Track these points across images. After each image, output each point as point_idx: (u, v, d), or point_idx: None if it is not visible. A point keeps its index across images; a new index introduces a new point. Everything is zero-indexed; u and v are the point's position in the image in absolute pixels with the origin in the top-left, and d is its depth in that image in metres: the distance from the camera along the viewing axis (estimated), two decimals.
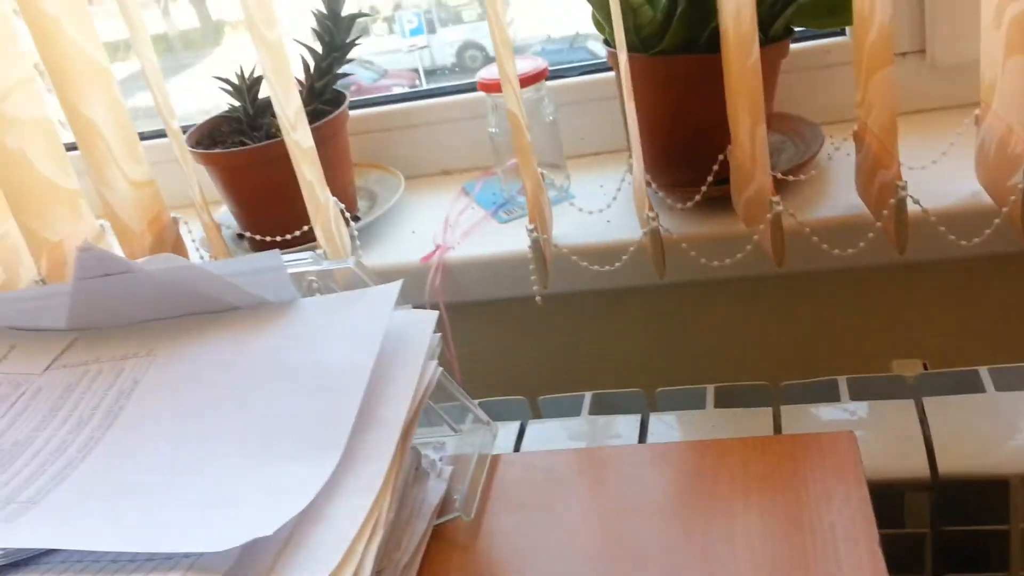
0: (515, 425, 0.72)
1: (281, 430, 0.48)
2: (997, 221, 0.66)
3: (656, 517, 0.50)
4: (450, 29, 1.21)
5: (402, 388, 0.49)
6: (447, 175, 0.97)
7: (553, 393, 0.76)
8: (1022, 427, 0.62)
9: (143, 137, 0.84)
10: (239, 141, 0.85)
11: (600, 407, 0.74)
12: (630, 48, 0.67)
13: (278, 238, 0.83)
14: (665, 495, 0.51)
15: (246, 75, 0.87)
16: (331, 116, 0.83)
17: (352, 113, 0.89)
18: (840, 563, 0.45)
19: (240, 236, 0.89)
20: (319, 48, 0.86)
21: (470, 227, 0.85)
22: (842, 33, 0.86)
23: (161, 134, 1.01)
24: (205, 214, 0.80)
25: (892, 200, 0.64)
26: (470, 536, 0.52)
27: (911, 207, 0.66)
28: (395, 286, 0.54)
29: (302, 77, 0.86)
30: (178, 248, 0.86)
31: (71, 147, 0.82)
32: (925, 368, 0.74)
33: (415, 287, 0.81)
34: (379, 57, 1.21)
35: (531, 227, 0.72)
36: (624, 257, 0.74)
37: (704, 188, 0.73)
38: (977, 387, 0.67)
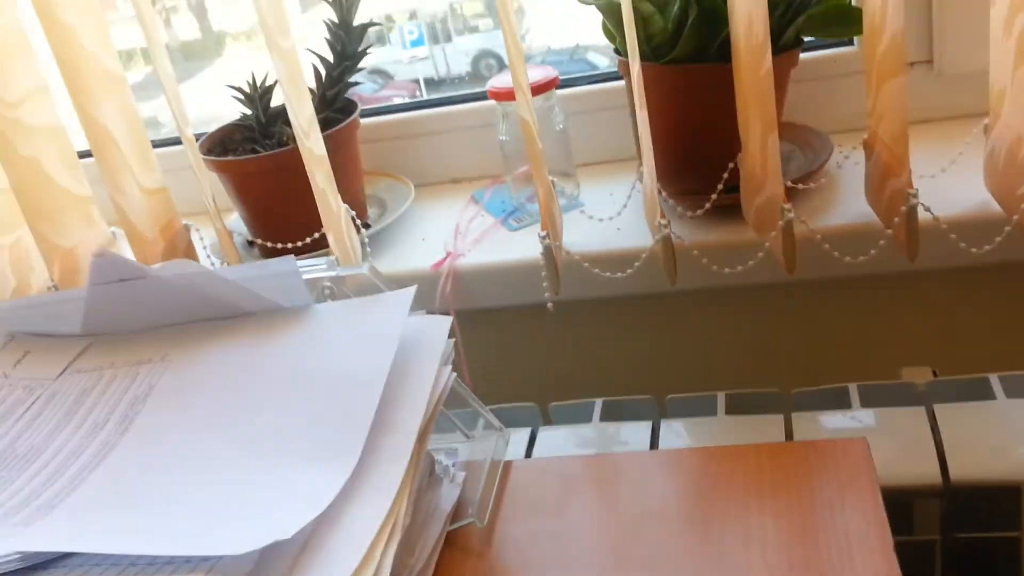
0: (526, 432, 0.73)
1: (298, 434, 0.48)
2: (1008, 229, 0.66)
3: (670, 523, 0.50)
4: (466, 38, 1.21)
5: (417, 393, 0.49)
6: (456, 183, 0.98)
7: (563, 400, 0.77)
8: None
9: (155, 145, 0.85)
10: (251, 149, 0.86)
11: (611, 414, 0.74)
12: (641, 57, 0.68)
13: (289, 245, 0.84)
14: (679, 501, 0.51)
15: (258, 83, 0.88)
16: (343, 124, 0.84)
17: (362, 121, 0.89)
18: (855, 569, 0.45)
19: (250, 243, 0.90)
20: (330, 57, 0.87)
21: (480, 234, 0.85)
22: (850, 43, 0.87)
23: (172, 142, 1.02)
24: (218, 221, 0.81)
25: (903, 208, 0.65)
26: (483, 542, 0.52)
27: (921, 215, 0.66)
28: (409, 291, 0.54)
29: (313, 86, 0.87)
30: (189, 255, 0.87)
31: (83, 154, 0.83)
32: (935, 375, 0.74)
33: (426, 294, 0.81)
34: (382, 68, 1.21)
35: (543, 234, 0.72)
36: (636, 264, 0.74)
37: (714, 196, 0.73)
38: (987, 394, 0.67)
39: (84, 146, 0.80)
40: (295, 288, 0.56)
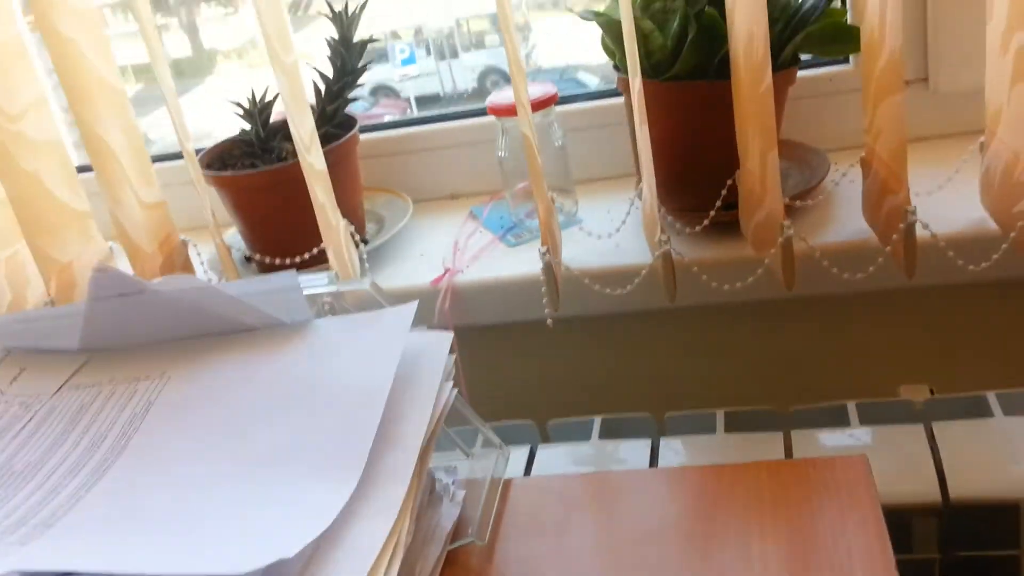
0: (525, 449, 0.72)
1: (299, 451, 0.48)
2: (1005, 246, 0.67)
3: (671, 542, 0.50)
4: (472, 54, 1.22)
5: (419, 410, 0.49)
6: (455, 199, 0.98)
7: (562, 417, 0.77)
8: None
9: (153, 160, 0.85)
10: (250, 164, 0.86)
11: (610, 431, 0.74)
12: (640, 73, 0.68)
13: (287, 260, 0.84)
14: (679, 520, 0.51)
15: (257, 99, 0.88)
16: (342, 140, 0.84)
17: (361, 137, 0.89)
18: None
19: (248, 258, 0.89)
20: (330, 73, 0.87)
21: (479, 250, 0.85)
22: (845, 61, 0.87)
23: (169, 157, 1.02)
24: (217, 236, 0.81)
25: (901, 225, 0.65)
26: (484, 561, 0.51)
27: (919, 232, 0.67)
28: (411, 307, 0.54)
29: (313, 102, 0.87)
30: (187, 270, 0.87)
31: (80, 169, 0.83)
32: (932, 393, 0.75)
33: (424, 310, 0.81)
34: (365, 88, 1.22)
35: (543, 250, 0.72)
36: (636, 280, 0.74)
37: (712, 212, 0.73)
38: (985, 412, 0.67)
39: (80, 160, 0.80)
40: (296, 303, 0.56)
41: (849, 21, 0.78)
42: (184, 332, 0.58)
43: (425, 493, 0.51)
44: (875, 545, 0.47)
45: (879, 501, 0.49)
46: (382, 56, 1.20)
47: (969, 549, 0.62)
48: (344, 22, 0.85)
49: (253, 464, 0.48)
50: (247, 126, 0.88)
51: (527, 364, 0.90)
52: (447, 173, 0.98)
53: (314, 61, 0.87)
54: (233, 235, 0.92)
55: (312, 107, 0.86)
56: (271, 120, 0.89)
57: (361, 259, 0.82)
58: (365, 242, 0.86)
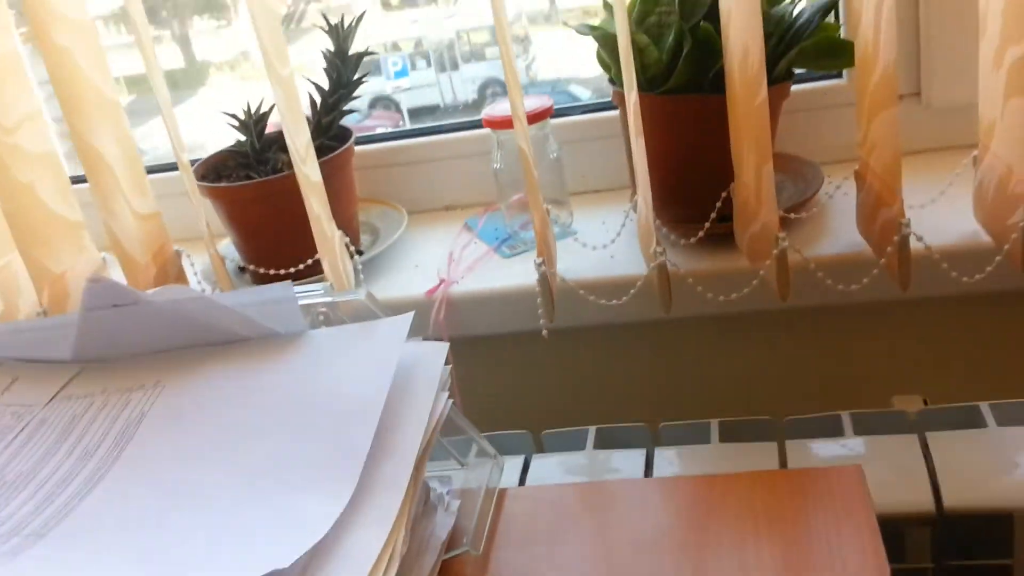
0: (519, 459, 0.72)
1: (294, 462, 0.47)
2: (998, 259, 0.67)
3: (666, 551, 0.50)
4: (472, 65, 1.22)
5: (415, 420, 0.49)
6: (449, 211, 0.98)
7: (556, 427, 0.77)
8: None
9: (149, 171, 0.85)
10: (245, 175, 0.86)
11: (604, 442, 0.74)
12: (636, 87, 0.68)
13: (281, 271, 0.84)
14: (674, 530, 0.51)
15: (252, 111, 0.88)
16: (338, 151, 0.84)
17: (356, 148, 0.90)
18: None
19: (242, 269, 0.89)
20: (326, 85, 0.87)
21: (473, 262, 0.86)
22: (839, 76, 0.88)
23: (162, 168, 1.02)
24: (211, 247, 0.81)
25: (895, 237, 0.65)
26: (478, 571, 0.51)
27: (913, 244, 0.67)
28: (406, 318, 0.54)
29: (308, 114, 0.87)
30: (180, 280, 0.87)
31: (75, 179, 0.83)
32: (925, 404, 0.75)
33: (419, 321, 0.81)
34: (363, 99, 1.22)
35: (539, 261, 0.72)
36: (631, 291, 0.74)
37: (707, 224, 0.74)
38: (979, 423, 0.68)
39: (71, 171, 0.80)
40: (291, 314, 0.56)
41: (843, 36, 0.78)
42: (178, 343, 0.58)
43: (420, 503, 0.51)
44: (870, 555, 0.47)
45: (874, 511, 0.50)
46: (375, 68, 1.20)
47: (962, 558, 0.63)
48: (340, 35, 0.86)
49: (248, 474, 0.48)
50: (241, 138, 0.89)
51: (521, 374, 0.90)
52: (442, 185, 0.98)
53: (307, 73, 0.88)
54: (227, 246, 0.92)
55: (307, 119, 0.86)
56: (266, 132, 0.89)
57: (356, 270, 0.82)
58: (360, 253, 0.87)
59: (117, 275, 0.83)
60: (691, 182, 0.77)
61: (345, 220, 0.85)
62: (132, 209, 0.81)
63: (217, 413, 0.52)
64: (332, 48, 0.86)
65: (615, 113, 0.91)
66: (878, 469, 0.64)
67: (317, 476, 0.46)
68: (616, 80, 0.77)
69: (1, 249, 0.82)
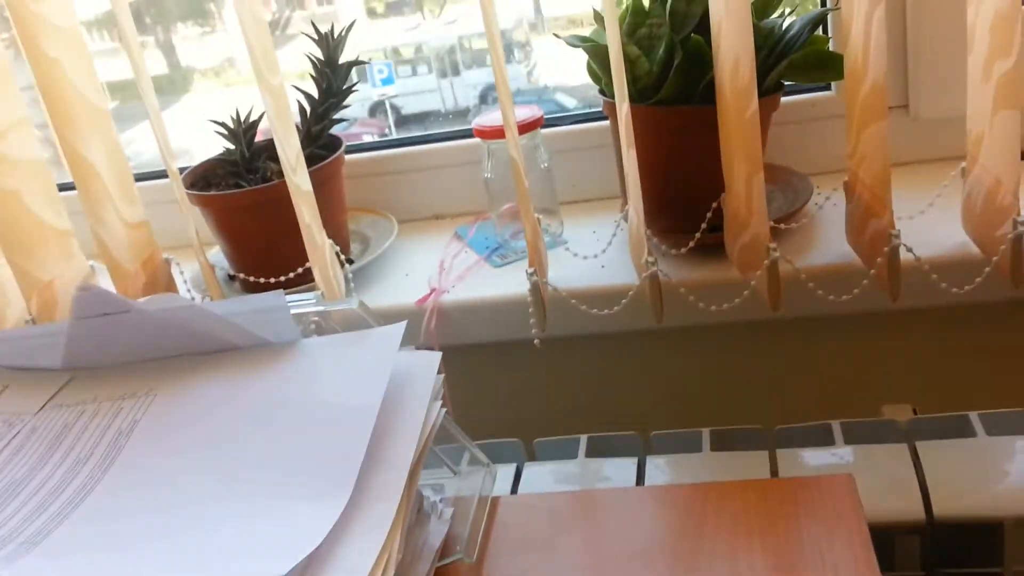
0: (511, 468, 0.72)
1: (288, 470, 0.47)
2: (987, 270, 0.68)
3: (658, 559, 0.50)
4: (474, 71, 1.22)
5: (408, 429, 0.49)
6: (439, 220, 0.98)
7: (548, 436, 0.77)
8: (1014, 471, 0.63)
9: (137, 179, 0.85)
10: (235, 183, 0.86)
11: (596, 450, 0.74)
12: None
13: (271, 280, 0.83)
14: (667, 538, 0.51)
15: (241, 119, 0.88)
16: (328, 160, 0.84)
17: (346, 157, 0.90)
18: None
19: (231, 277, 0.89)
20: (316, 94, 0.87)
21: (464, 271, 0.86)
22: (827, 88, 0.89)
23: (151, 176, 1.01)
24: (201, 255, 0.80)
25: (885, 248, 0.66)
26: None
27: (903, 255, 0.68)
28: (399, 327, 0.54)
29: (298, 122, 0.87)
30: (170, 288, 0.86)
31: (62, 187, 0.82)
32: (915, 413, 0.75)
33: (410, 330, 0.81)
34: (363, 106, 1.22)
35: (531, 270, 0.72)
36: (623, 301, 0.75)
37: (698, 235, 0.74)
38: (968, 432, 0.68)
39: (62, 179, 0.80)
40: (283, 323, 0.56)
41: (832, 49, 0.79)
42: (169, 351, 0.58)
43: (414, 511, 0.51)
44: (862, 563, 0.47)
45: (865, 519, 0.50)
46: (361, 75, 1.20)
47: (953, 567, 0.63)
48: (330, 44, 0.86)
49: (242, 482, 0.47)
50: (226, 145, 0.88)
51: (513, 383, 0.90)
52: (431, 194, 0.98)
53: (293, 80, 0.87)
54: (216, 254, 0.91)
55: (297, 127, 0.86)
56: (255, 140, 0.89)
57: (346, 279, 0.82)
58: (350, 262, 0.86)
59: (106, 283, 0.82)
60: (681, 193, 0.77)
61: (335, 229, 0.85)
62: (121, 217, 0.81)
63: (210, 422, 0.52)
64: (322, 57, 0.86)
65: (605, 123, 0.91)
66: (868, 478, 0.65)
67: (311, 484, 0.46)
68: (607, 91, 0.77)
69: None
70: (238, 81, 1.21)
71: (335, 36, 0.85)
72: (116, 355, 0.58)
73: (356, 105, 1.09)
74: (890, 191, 0.66)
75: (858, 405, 0.84)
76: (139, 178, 0.98)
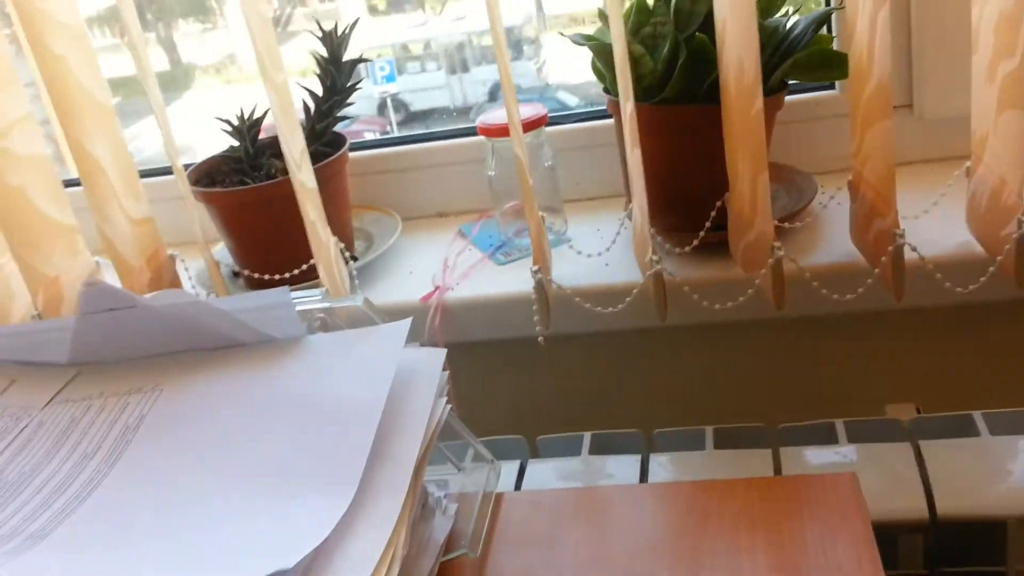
0: (514, 465, 0.73)
1: (294, 465, 0.48)
2: (992, 269, 0.68)
3: (662, 556, 0.50)
4: (483, 68, 1.22)
5: (414, 424, 0.49)
6: (443, 217, 0.98)
7: (551, 433, 0.77)
8: (1017, 470, 0.64)
9: (142, 175, 0.85)
10: (239, 180, 0.86)
11: (599, 447, 0.74)
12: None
13: (276, 276, 0.84)
14: (670, 534, 0.52)
15: (245, 116, 0.88)
16: (332, 157, 0.84)
17: (349, 155, 0.90)
18: None
19: (236, 274, 0.89)
20: (320, 91, 0.88)
21: (468, 268, 0.86)
22: (831, 87, 0.89)
23: (156, 172, 1.01)
24: (206, 252, 0.81)
25: (890, 248, 0.66)
26: (476, 573, 0.52)
27: (907, 255, 0.68)
28: (404, 324, 0.54)
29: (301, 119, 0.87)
30: (174, 285, 0.87)
31: (68, 183, 0.82)
32: (918, 412, 0.75)
33: (413, 327, 0.81)
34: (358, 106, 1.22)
35: (535, 268, 0.73)
36: (627, 299, 0.75)
37: (702, 233, 0.74)
38: (972, 431, 0.68)
39: (66, 175, 0.80)
40: (288, 319, 0.56)
41: (836, 48, 0.79)
42: (175, 347, 0.58)
43: (418, 506, 0.51)
44: (865, 561, 0.47)
45: (869, 518, 0.50)
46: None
47: (956, 566, 0.63)
48: (334, 41, 0.86)
49: (249, 477, 0.48)
50: (229, 142, 0.88)
51: (516, 380, 0.90)
52: (435, 192, 0.98)
53: (293, 77, 0.87)
54: (220, 251, 0.92)
55: (300, 124, 0.86)
56: (259, 137, 0.89)
57: (351, 276, 0.82)
58: (354, 259, 0.87)
59: (111, 279, 0.83)
60: (685, 191, 0.78)
61: (339, 226, 0.85)
62: (126, 213, 0.81)
63: (217, 417, 0.52)
64: (326, 54, 0.86)
65: (608, 122, 0.91)
66: (872, 476, 0.65)
67: (318, 479, 0.46)
68: (611, 90, 0.77)
69: None
70: (239, 78, 1.21)
71: (339, 33, 0.86)
72: (122, 350, 0.59)
73: (362, 102, 1.09)
74: (894, 190, 0.66)
75: (862, 404, 0.84)
76: (143, 175, 0.98)
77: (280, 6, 1.15)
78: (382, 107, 1.22)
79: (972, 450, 0.66)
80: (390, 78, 1.21)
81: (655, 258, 0.71)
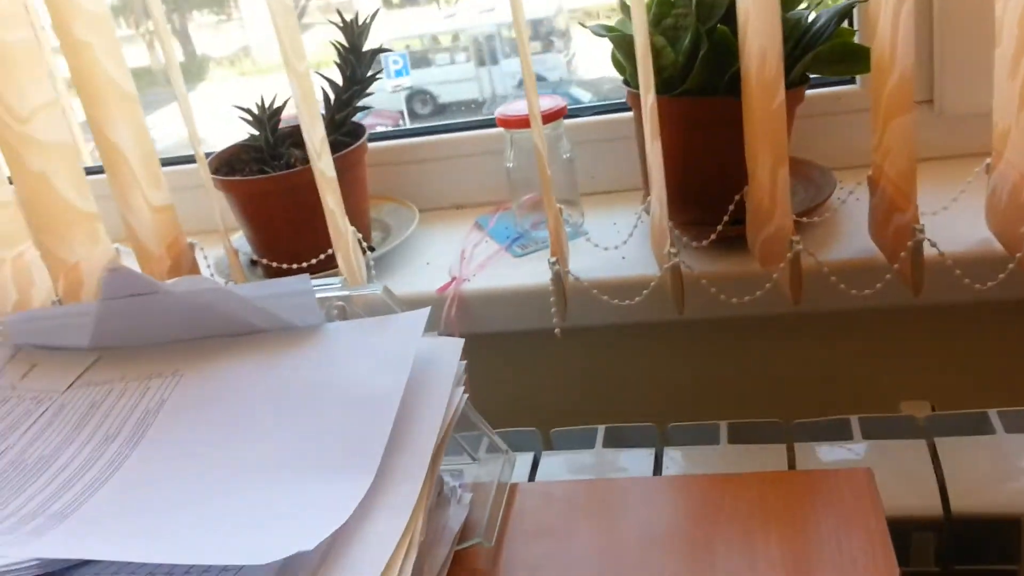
0: (528, 457, 0.73)
1: (313, 450, 0.48)
2: (1011, 266, 0.67)
3: (675, 548, 0.50)
4: (513, 60, 1.22)
5: (432, 412, 0.50)
6: (459, 209, 0.99)
7: (564, 426, 0.77)
8: None
9: (163, 163, 0.85)
10: (259, 169, 0.86)
11: (613, 441, 0.74)
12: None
13: (294, 265, 0.84)
14: (685, 527, 0.52)
15: (266, 105, 0.88)
16: (352, 147, 0.85)
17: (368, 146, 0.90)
18: None
19: (254, 263, 0.90)
20: (340, 81, 0.88)
21: (485, 260, 0.86)
22: (851, 81, 0.89)
23: (176, 161, 1.02)
24: (226, 240, 0.81)
25: (909, 243, 0.66)
26: (490, 563, 0.52)
27: (927, 251, 0.67)
28: (423, 313, 0.55)
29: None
30: (194, 272, 0.87)
31: (90, 171, 0.83)
32: (933, 409, 0.75)
33: (430, 318, 0.81)
34: (399, 96, 1.22)
35: (553, 260, 0.73)
36: (644, 292, 0.75)
37: (720, 227, 0.74)
38: (987, 429, 0.68)
39: (88, 162, 0.81)
40: (308, 307, 0.56)
41: (857, 41, 0.79)
42: (195, 333, 0.58)
43: (434, 495, 0.52)
44: (880, 557, 0.47)
45: (884, 513, 0.50)
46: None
47: (969, 563, 0.63)
48: (354, 31, 0.86)
49: (267, 462, 0.48)
50: (242, 135, 0.89)
51: (531, 372, 0.90)
52: (452, 183, 0.98)
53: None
54: (239, 239, 0.92)
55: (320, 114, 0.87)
56: (278, 127, 0.89)
57: (368, 266, 0.83)
58: (372, 249, 0.87)
59: (131, 266, 0.83)
60: (704, 184, 0.77)
61: (357, 216, 0.85)
62: (147, 201, 0.82)
63: (238, 402, 0.52)
64: (346, 44, 0.86)
65: (624, 115, 0.91)
66: (886, 473, 0.64)
67: (336, 465, 0.47)
68: (631, 82, 0.77)
69: (14, 239, 0.82)
70: (253, 71, 1.22)
71: (359, 23, 0.86)
72: (143, 336, 0.59)
73: (382, 96, 1.09)
74: (915, 185, 0.66)
75: (877, 401, 0.83)
76: (163, 163, 0.99)
77: None
78: (411, 99, 1.22)
79: (987, 448, 0.66)
80: (402, 72, 1.21)
81: (673, 251, 0.71)
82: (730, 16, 0.69)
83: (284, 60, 0.70)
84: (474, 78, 1.24)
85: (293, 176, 0.83)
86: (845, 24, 0.74)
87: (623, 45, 0.76)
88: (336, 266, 0.78)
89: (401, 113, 1.25)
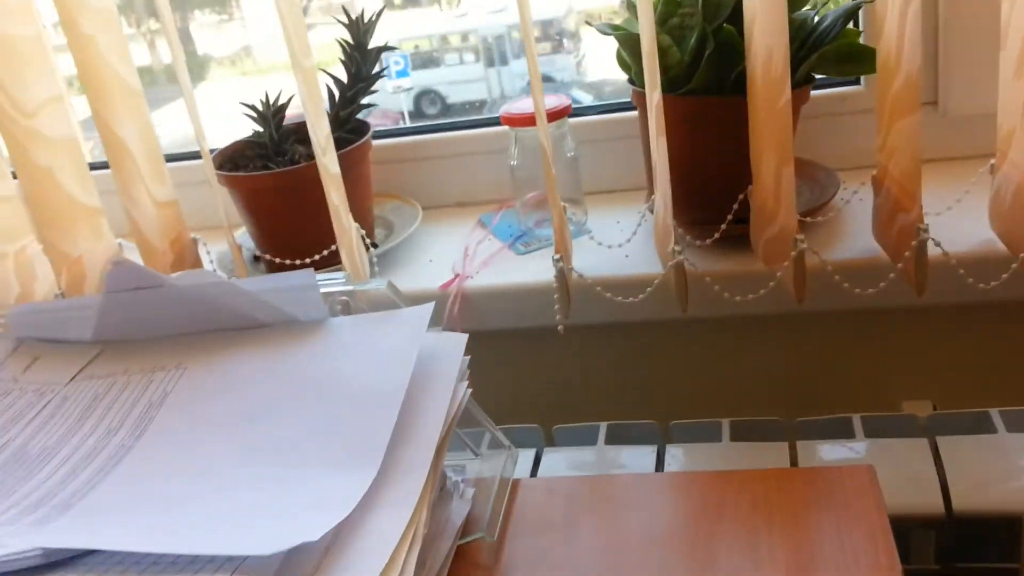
0: (531, 453, 0.73)
1: (317, 443, 0.48)
2: (1014, 266, 0.67)
3: (677, 545, 0.50)
4: (521, 61, 1.22)
5: (436, 407, 0.50)
6: (462, 207, 0.99)
7: (567, 422, 0.77)
8: None
9: (167, 159, 0.86)
10: (263, 165, 0.87)
11: (615, 438, 0.74)
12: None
13: (297, 261, 0.84)
14: (686, 524, 0.52)
15: (270, 102, 0.88)
16: (356, 144, 0.85)
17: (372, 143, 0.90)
18: None
19: (257, 258, 0.90)
20: (345, 78, 0.88)
21: (488, 257, 0.86)
22: (855, 82, 0.89)
23: (180, 157, 1.02)
24: (229, 235, 0.81)
25: (913, 243, 0.66)
26: (492, 558, 0.52)
27: (930, 251, 0.68)
28: (427, 308, 0.55)
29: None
30: (196, 267, 0.87)
31: (93, 166, 0.83)
32: (935, 408, 0.75)
33: (434, 314, 0.82)
34: (408, 96, 1.22)
35: (557, 257, 0.73)
36: (648, 290, 0.75)
37: (723, 226, 0.74)
38: (988, 428, 0.68)
39: (88, 159, 0.81)
40: (312, 301, 0.56)
41: (863, 42, 0.79)
42: (199, 326, 0.58)
43: (437, 489, 0.52)
44: (882, 554, 0.48)
45: (886, 511, 0.50)
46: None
47: (970, 561, 0.63)
48: (360, 28, 0.86)
49: (271, 454, 0.48)
50: (242, 134, 0.89)
51: (533, 369, 0.91)
52: (455, 181, 0.98)
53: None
54: (242, 235, 0.92)
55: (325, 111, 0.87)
56: (283, 123, 0.89)
57: (371, 262, 0.83)
58: (375, 246, 0.87)
59: (137, 261, 0.83)
60: (708, 183, 0.77)
61: (360, 213, 0.86)
62: (152, 196, 0.82)
63: (241, 395, 0.52)
64: (351, 41, 0.86)
65: (627, 115, 0.91)
66: (887, 471, 0.64)
67: (340, 458, 0.47)
68: (636, 81, 0.77)
69: (16, 232, 0.83)
70: (254, 71, 1.22)
71: (365, 21, 0.86)
72: (146, 329, 0.59)
73: (387, 95, 1.09)
74: (920, 185, 0.66)
75: (879, 400, 0.84)
76: (167, 160, 0.99)
77: None
78: (419, 99, 1.22)
79: (988, 447, 0.66)
80: (403, 73, 1.21)
81: (677, 249, 0.71)
82: (736, 15, 0.69)
83: (290, 55, 0.70)
84: (483, 79, 1.24)
85: (297, 172, 0.83)
86: (851, 25, 0.74)
87: (629, 44, 0.76)
88: (339, 263, 0.78)
89: (402, 114, 1.25)
